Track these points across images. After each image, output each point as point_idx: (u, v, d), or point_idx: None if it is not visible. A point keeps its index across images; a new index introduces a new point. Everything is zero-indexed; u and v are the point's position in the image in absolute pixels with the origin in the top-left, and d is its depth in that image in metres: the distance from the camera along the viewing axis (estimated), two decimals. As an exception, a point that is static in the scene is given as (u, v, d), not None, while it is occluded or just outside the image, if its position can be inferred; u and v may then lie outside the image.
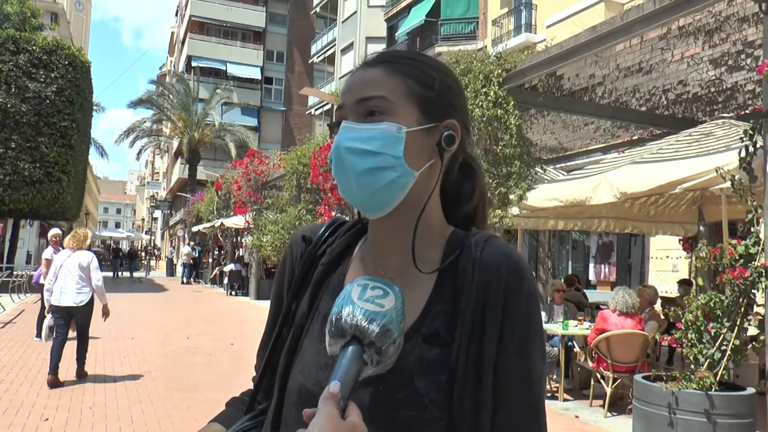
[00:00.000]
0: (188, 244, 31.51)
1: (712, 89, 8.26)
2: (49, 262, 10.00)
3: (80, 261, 7.38)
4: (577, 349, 8.01)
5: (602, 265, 17.51)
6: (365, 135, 0.92)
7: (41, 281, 10.29)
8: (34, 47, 19.74)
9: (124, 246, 48.25)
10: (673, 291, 10.93)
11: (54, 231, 10.48)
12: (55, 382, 7.11)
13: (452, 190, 1.03)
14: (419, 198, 0.96)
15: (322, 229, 1.10)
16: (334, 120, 0.98)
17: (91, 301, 7.47)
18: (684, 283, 9.43)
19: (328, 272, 1.04)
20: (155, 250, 54.48)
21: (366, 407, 0.84)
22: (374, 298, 0.85)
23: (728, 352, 4.59)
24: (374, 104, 0.93)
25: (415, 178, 0.94)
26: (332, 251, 1.05)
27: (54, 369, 7.15)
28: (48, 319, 7.37)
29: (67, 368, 7.58)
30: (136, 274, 33.61)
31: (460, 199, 1.05)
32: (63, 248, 7.93)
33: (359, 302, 0.84)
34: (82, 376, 7.66)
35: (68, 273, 7.32)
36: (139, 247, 52.53)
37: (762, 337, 4.74)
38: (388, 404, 0.88)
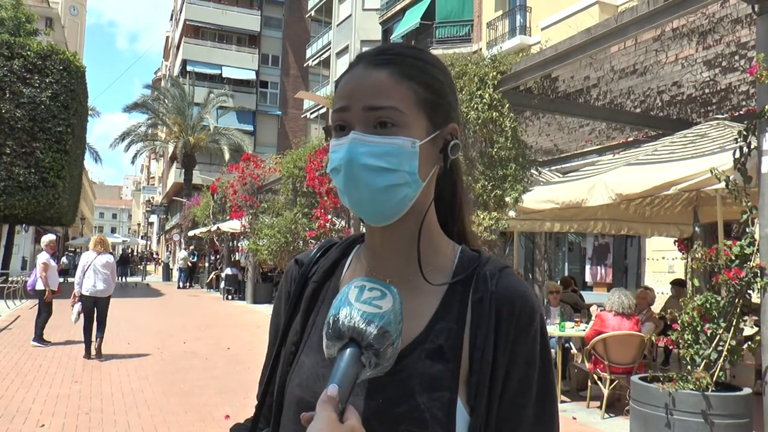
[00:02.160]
0: (185, 249, 31.43)
1: (707, 90, 8.29)
2: (47, 266, 10.50)
3: (107, 260, 9.40)
4: (574, 350, 8.01)
5: (598, 267, 17.54)
6: (380, 150, 0.89)
7: (38, 287, 10.42)
8: (29, 52, 19.70)
9: (118, 251, 48.11)
10: (668, 292, 10.95)
11: (50, 237, 10.82)
12: (90, 356, 9.29)
13: (436, 188, 1.01)
14: (420, 204, 0.94)
15: (314, 251, 1.10)
16: (332, 121, 0.94)
17: (109, 293, 9.45)
18: (676, 284, 9.47)
19: (319, 288, 1.03)
20: (155, 255, 54.25)
21: (365, 420, 0.82)
22: (372, 299, 0.83)
23: (724, 353, 4.60)
24: (386, 115, 0.90)
25: (422, 188, 0.93)
26: (321, 268, 1.05)
27: (87, 347, 9.37)
28: (77, 306, 9.30)
29: (62, 376, 7.53)
30: (129, 279, 33.45)
31: (443, 196, 1.03)
32: (88, 250, 9.84)
33: (357, 304, 0.83)
34: (99, 355, 9.33)
35: (97, 270, 9.27)
36: (136, 252, 52.36)
37: (758, 338, 4.75)
38: (388, 418, 0.87)
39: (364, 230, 1.04)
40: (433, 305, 0.94)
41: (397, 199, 0.91)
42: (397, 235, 0.96)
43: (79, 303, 9.29)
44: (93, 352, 9.33)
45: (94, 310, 9.31)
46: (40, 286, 10.45)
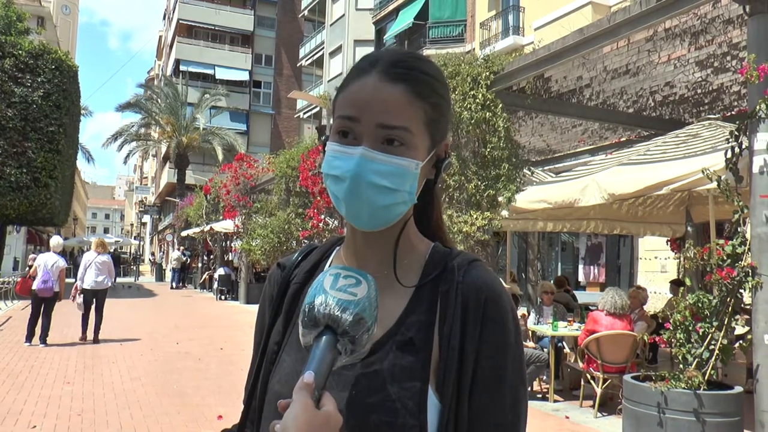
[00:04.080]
0: (178, 249, 31.32)
1: (699, 91, 8.33)
2: (64, 270, 11.31)
3: (104, 260, 11.16)
4: (567, 350, 8.03)
5: (591, 267, 17.59)
6: (387, 169, 0.91)
7: (56, 288, 10.65)
8: (20, 51, 19.55)
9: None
10: (661, 291, 10.98)
11: (60, 240, 11.67)
12: (86, 339, 11.04)
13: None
14: (405, 212, 0.98)
15: (296, 255, 1.12)
16: (337, 126, 0.95)
17: (107, 287, 11.24)
18: (675, 284, 9.50)
19: (300, 289, 1.05)
20: (152, 256, 53.80)
21: (340, 411, 0.85)
22: (347, 286, 0.84)
23: (716, 352, 4.62)
24: (397, 135, 0.92)
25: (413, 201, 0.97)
26: (302, 270, 1.07)
27: (84, 331, 11.07)
28: (79, 299, 10.91)
29: (54, 377, 7.48)
30: (120, 280, 33.22)
31: (423, 201, 1.04)
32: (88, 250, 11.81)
33: (332, 291, 0.83)
34: (96, 341, 10.96)
35: (96, 268, 10.98)
36: (129, 253, 52.09)
37: (749, 336, 4.77)
38: (360, 408, 0.89)
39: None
40: (405, 300, 0.97)
41: (393, 216, 0.95)
42: (379, 238, 0.99)
43: (81, 295, 10.89)
44: (90, 336, 11.04)
45: (93, 300, 11.00)
46: (57, 287, 10.65)
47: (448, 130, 1.02)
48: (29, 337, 10.58)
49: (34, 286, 10.50)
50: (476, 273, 0.96)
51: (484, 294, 0.94)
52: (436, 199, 1.08)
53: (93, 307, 11.05)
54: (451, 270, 0.97)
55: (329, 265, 1.06)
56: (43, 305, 10.56)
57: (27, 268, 11.48)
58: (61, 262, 10.81)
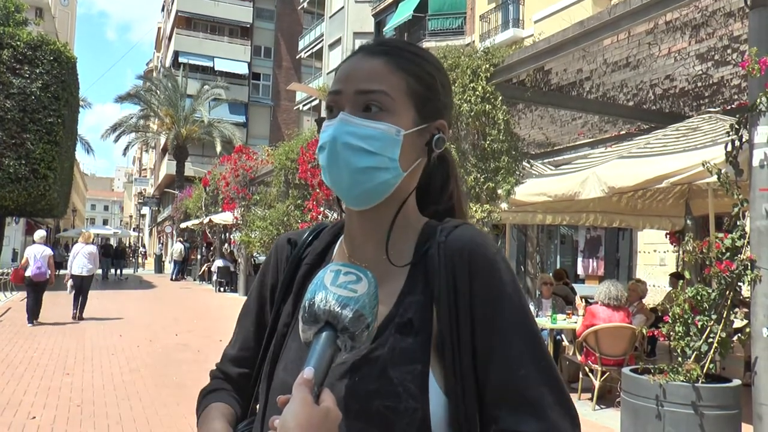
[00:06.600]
0: (179, 241, 31.28)
1: (699, 84, 8.31)
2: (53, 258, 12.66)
3: (90, 250, 12.85)
4: (565, 342, 8.05)
5: (590, 260, 17.61)
6: (364, 132, 0.92)
7: (47, 276, 11.96)
8: (19, 42, 19.46)
9: (112, 243, 47.89)
10: (660, 285, 10.99)
11: (42, 233, 12.78)
12: (76, 318, 12.72)
13: (426, 180, 1.03)
14: (399, 193, 0.97)
15: (307, 233, 1.11)
16: (326, 104, 0.97)
17: (92, 273, 13.04)
18: (674, 276, 9.51)
19: (311, 271, 1.04)
20: (143, 248, 53.74)
21: (341, 399, 0.85)
22: (347, 283, 0.84)
23: (715, 345, 4.62)
24: (375, 99, 0.93)
25: (403, 177, 0.95)
26: (314, 250, 1.07)
27: (74, 309, 12.79)
28: (71, 281, 12.67)
29: (53, 368, 7.49)
30: (124, 272, 33.20)
31: (433, 188, 1.05)
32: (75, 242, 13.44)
33: (332, 288, 0.84)
34: (80, 318, 12.71)
35: (83, 257, 12.63)
36: (128, 244, 52.08)
37: (747, 329, 4.78)
38: (362, 395, 0.88)
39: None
40: (401, 282, 0.96)
41: (376, 183, 0.93)
42: (373, 221, 0.98)
43: (71, 280, 12.63)
44: (77, 314, 12.72)
45: (81, 285, 12.70)
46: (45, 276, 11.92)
47: (443, 110, 1.00)
48: (30, 318, 11.82)
49: (29, 273, 11.67)
50: (459, 231, 0.95)
51: (468, 248, 0.92)
52: (452, 191, 1.06)
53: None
54: (433, 233, 0.96)
55: (336, 250, 1.06)
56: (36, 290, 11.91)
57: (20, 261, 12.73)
58: (48, 251, 12.15)
